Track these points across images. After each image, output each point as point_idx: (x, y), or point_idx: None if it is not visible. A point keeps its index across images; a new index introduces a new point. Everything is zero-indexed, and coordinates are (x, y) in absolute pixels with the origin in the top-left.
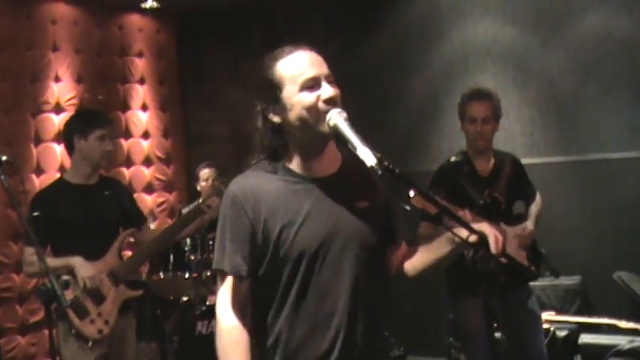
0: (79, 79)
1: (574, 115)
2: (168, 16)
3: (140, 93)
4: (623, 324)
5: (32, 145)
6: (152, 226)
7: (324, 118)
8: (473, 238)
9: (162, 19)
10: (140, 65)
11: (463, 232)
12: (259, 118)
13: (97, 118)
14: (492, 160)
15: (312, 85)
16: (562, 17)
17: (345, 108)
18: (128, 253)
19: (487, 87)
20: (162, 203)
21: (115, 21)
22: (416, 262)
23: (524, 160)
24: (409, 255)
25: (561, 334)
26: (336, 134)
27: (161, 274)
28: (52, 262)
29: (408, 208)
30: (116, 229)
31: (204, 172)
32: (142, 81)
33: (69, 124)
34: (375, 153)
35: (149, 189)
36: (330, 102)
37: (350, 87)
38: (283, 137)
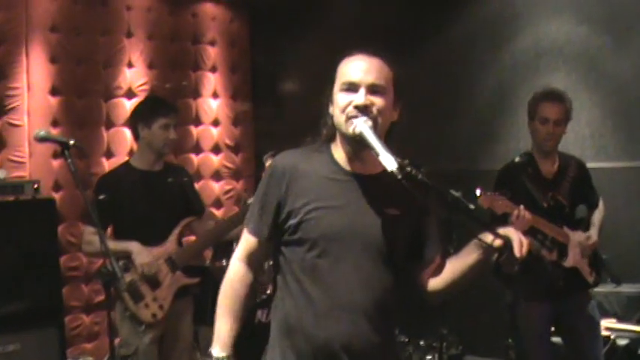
0: (151, 66)
1: None
2: (241, 5)
3: (212, 81)
4: None
5: (103, 129)
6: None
7: (351, 122)
8: (498, 242)
9: (235, 8)
10: (212, 53)
11: (488, 237)
12: (325, 105)
13: (161, 106)
14: (557, 163)
15: (349, 88)
16: (636, 18)
17: (415, 105)
18: (190, 240)
19: (558, 87)
20: (229, 191)
21: (189, 9)
22: (444, 274)
23: (591, 164)
24: (438, 271)
25: (621, 342)
26: (362, 141)
27: (223, 262)
28: (111, 245)
29: (472, 207)
30: (177, 216)
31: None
32: (213, 69)
33: (134, 112)
34: (396, 159)
35: (217, 176)
36: (360, 109)
37: (420, 84)
38: (334, 128)
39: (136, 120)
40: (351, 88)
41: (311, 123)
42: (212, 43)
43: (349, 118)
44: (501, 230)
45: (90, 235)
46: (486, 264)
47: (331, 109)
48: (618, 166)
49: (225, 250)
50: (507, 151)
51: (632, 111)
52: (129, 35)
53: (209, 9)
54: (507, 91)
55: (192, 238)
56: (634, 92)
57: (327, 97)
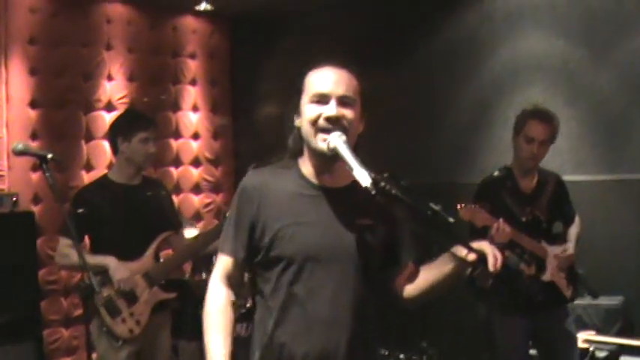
0: (131, 79)
1: (623, 133)
2: (221, 19)
3: (192, 94)
4: None
5: (83, 142)
6: (195, 230)
7: (319, 134)
8: (471, 256)
9: (215, 21)
10: (192, 67)
11: (462, 251)
12: (289, 119)
13: (141, 120)
14: (536, 178)
15: (319, 100)
16: (615, 34)
17: (393, 119)
18: (167, 254)
19: (536, 102)
20: (208, 204)
21: (169, 22)
22: (419, 282)
23: (570, 177)
24: (414, 276)
25: (601, 354)
26: (336, 155)
27: (203, 275)
28: (88, 259)
29: (451, 220)
30: (155, 230)
31: None
32: (193, 82)
33: (113, 126)
34: (370, 174)
35: (196, 190)
36: (331, 121)
37: (399, 98)
38: (301, 141)
39: (115, 134)
40: (321, 99)
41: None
42: (192, 57)
43: (320, 130)
44: (475, 244)
45: (65, 247)
46: (460, 276)
47: (298, 122)
48: (596, 179)
49: (204, 263)
50: (486, 164)
51: (610, 125)
52: (109, 48)
53: (189, 22)
54: (486, 105)
55: (169, 252)
56: (612, 106)
57: (292, 110)
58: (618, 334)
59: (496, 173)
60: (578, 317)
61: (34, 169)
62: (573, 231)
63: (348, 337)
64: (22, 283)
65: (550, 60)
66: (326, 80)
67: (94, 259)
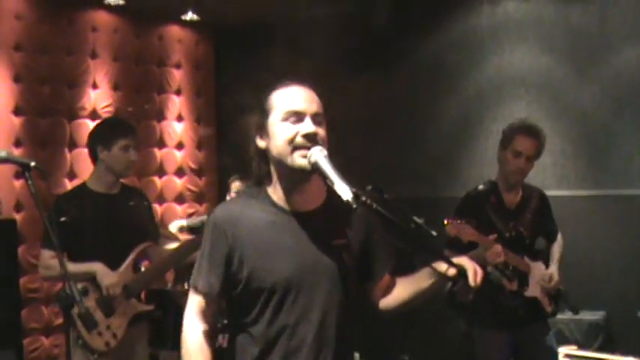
0: (115, 87)
1: (606, 148)
2: (207, 28)
3: (176, 104)
4: None
5: (66, 150)
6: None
7: (298, 151)
8: (452, 271)
9: (201, 31)
10: (177, 76)
11: (442, 266)
12: (252, 142)
13: (121, 127)
14: (520, 193)
15: (295, 118)
16: (598, 50)
17: (377, 131)
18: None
19: (521, 116)
20: (192, 214)
21: (155, 31)
22: (396, 293)
23: (553, 192)
24: (390, 287)
25: None
26: (315, 170)
27: (185, 285)
28: (73, 267)
29: (434, 233)
30: (133, 241)
31: (236, 185)
32: (178, 92)
33: (92, 135)
34: (351, 188)
35: (180, 199)
36: (309, 138)
37: (383, 111)
38: (267, 164)
39: (94, 142)
40: (296, 117)
41: None
42: (177, 66)
43: (298, 148)
44: (456, 259)
45: (48, 259)
46: (439, 289)
47: (264, 144)
48: (579, 194)
49: (187, 273)
50: (469, 178)
51: (593, 140)
52: (94, 56)
53: (175, 32)
54: (470, 119)
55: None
56: (595, 121)
57: (255, 133)
58: (600, 349)
59: (481, 187)
60: (559, 332)
61: (17, 176)
62: (557, 251)
63: (334, 356)
64: (2, 290)
65: (534, 75)
66: (298, 98)
67: (79, 267)
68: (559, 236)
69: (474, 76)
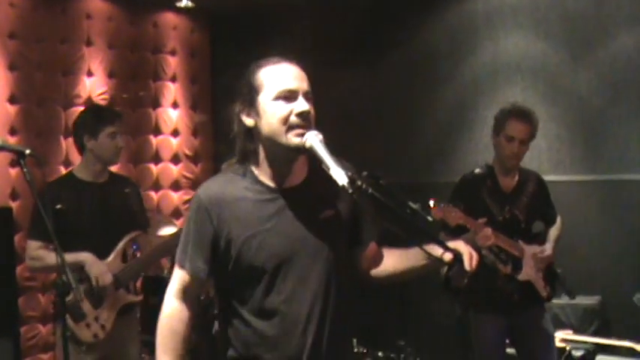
0: (111, 75)
1: (601, 134)
2: (202, 15)
3: (172, 91)
4: None
5: (62, 138)
6: (173, 228)
7: (293, 131)
8: (447, 256)
9: (196, 18)
10: (173, 63)
11: (438, 250)
12: (236, 119)
13: (106, 114)
14: (517, 177)
15: (288, 96)
16: (594, 35)
17: (374, 118)
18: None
19: (517, 102)
20: (188, 201)
21: (150, 18)
22: (387, 264)
23: (549, 177)
24: (378, 257)
25: (577, 353)
26: (312, 154)
27: None
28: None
29: (430, 218)
30: (122, 230)
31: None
32: (173, 79)
33: (77, 123)
34: (347, 173)
35: (176, 186)
36: (302, 116)
37: (379, 97)
38: (254, 142)
39: (80, 131)
40: (289, 96)
41: None
42: (172, 53)
43: (293, 127)
44: (451, 243)
45: (35, 249)
46: (433, 271)
47: (251, 122)
48: (575, 179)
49: None
50: (465, 163)
51: (588, 125)
52: (89, 44)
53: (170, 19)
54: (466, 105)
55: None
56: (591, 107)
57: (240, 111)
58: (595, 334)
59: (477, 170)
60: (555, 316)
61: (13, 164)
62: (554, 232)
63: (329, 333)
64: None
65: (530, 61)
66: (290, 76)
67: (67, 257)
68: (558, 220)
69: (469, 62)
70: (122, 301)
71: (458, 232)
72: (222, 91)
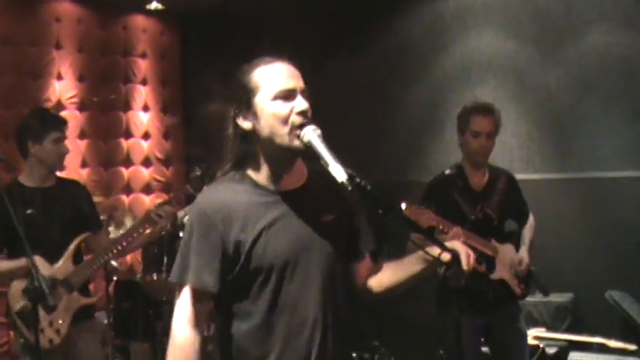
0: (81, 78)
1: (572, 131)
2: (172, 18)
3: (142, 94)
4: (613, 343)
5: None
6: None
7: (295, 131)
8: (445, 256)
9: (166, 21)
10: (143, 66)
11: (435, 250)
12: (230, 123)
13: (52, 120)
14: (487, 175)
15: (287, 96)
16: (563, 33)
17: (345, 116)
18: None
19: (487, 100)
20: (161, 204)
21: (119, 21)
22: (383, 278)
23: (519, 176)
24: (374, 271)
25: (551, 351)
26: (310, 150)
27: (154, 276)
28: (7, 265)
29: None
30: (72, 233)
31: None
32: (144, 82)
33: (21, 129)
34: (346, 170)
35: (147, 190)
36: (303, 115)
37: (350, 96)
38: (251, 145)
39: (25, 136)
40: (288, 95)
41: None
42: (143, 56)
43: (296, 127)
44: (448, 243)
45: None
46: (430, 274)
47: (248, 125)
48: (545, 177)
49: (155, 263)
50: (436, 163)
51: (558, 123)
52: (58, 47)
53: (140, 21)
54: (437, 104)
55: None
56: (560, 105)
57: (236, 114)
58: (568, 331)
59: (447, 171)
60: (528, 314)
61: None
62: (528, 234)
63: (332, 335)
64: None
65: (500, 59)
66: (287, 75)
67: (14, 264)
68: (531, 218)
69: (441, 60)
70: (76, 303)
71: (429, 233)
72: (193, 94)
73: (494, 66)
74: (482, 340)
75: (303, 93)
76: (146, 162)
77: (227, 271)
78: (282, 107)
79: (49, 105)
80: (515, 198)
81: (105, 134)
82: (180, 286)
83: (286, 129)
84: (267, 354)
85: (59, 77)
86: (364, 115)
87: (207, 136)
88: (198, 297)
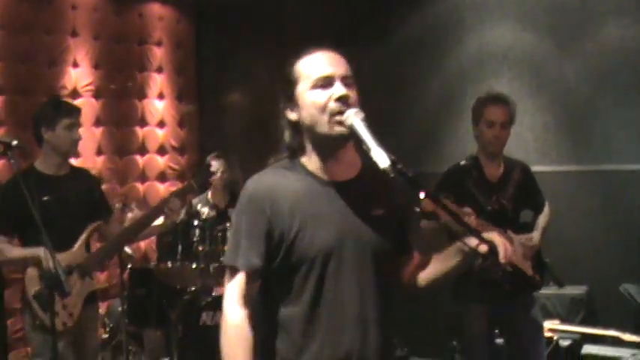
0: (96, 66)
1: (588, 124)
2: (188, 6)
3: (157, 82)
4: (627, 336)
5: None
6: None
7: (335, 118)
8: (483, 247)
9: (182, 9)
10: (158, 54)
11: (473, 241)
12: (282, 115)
13: (64, 107)
14: (502, 167)
15: (324, 83)
16: (580, 25)
17: (360, 107)
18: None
19: (502, 92)
20: (173, 192)
21: (135, 9)
22: (426, 272)
23: (535, 168)
24: (423, 266)
25: (564, 343)
26: (352, 134)
27: (169, 264)
28: (20, 252)
29: (417, 209)
30: (84, 221)
31: (214, 165)
32: (159, 70)
33: (35, 116)
34: (389, 155)
35: (162, 178)
36: (342, 101)
37: (366, 86)
38: (300, 135)
39: (38, 123)
40: (325, 83)
41: (256, 125)
42: (158, 44)
43: (335, 114)
44: (486, 235)
45: None
46: (467, 267)
47: (294, 116)
48: (561, 170)
49: (170, 252)
50: (452, 154)
51: (574, 116)
52: (74, 35)
53: (155, 9)
54: (453, 95)
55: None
56: (577, 97)
57: (284, 106)
58: (582, 324)
59: (463, 162)
60: (542, 306)
61: None
62: (542, 220)
63: (377, 330)
64: None
65: (516, 51)
66: (325, 63)
67: (24, 252)
68: (546, 208)
69: (456, 53)
70: (88, 288)
71: (467, 225)
72: (208, 82)
73: (510, 58)
74: (497, 331)
75: (344, 79)
76: (161, 150)
77: (273, 254)
78: (320, 95)
79: (65, 92)
80: (531, 188)
81: (120, 122)
82: (232, 269)
83: (325, 117)
84: (310, 342)
85: (75, 65)
86: (380, 107)
87: (221, 125)
88: (247, 278)
